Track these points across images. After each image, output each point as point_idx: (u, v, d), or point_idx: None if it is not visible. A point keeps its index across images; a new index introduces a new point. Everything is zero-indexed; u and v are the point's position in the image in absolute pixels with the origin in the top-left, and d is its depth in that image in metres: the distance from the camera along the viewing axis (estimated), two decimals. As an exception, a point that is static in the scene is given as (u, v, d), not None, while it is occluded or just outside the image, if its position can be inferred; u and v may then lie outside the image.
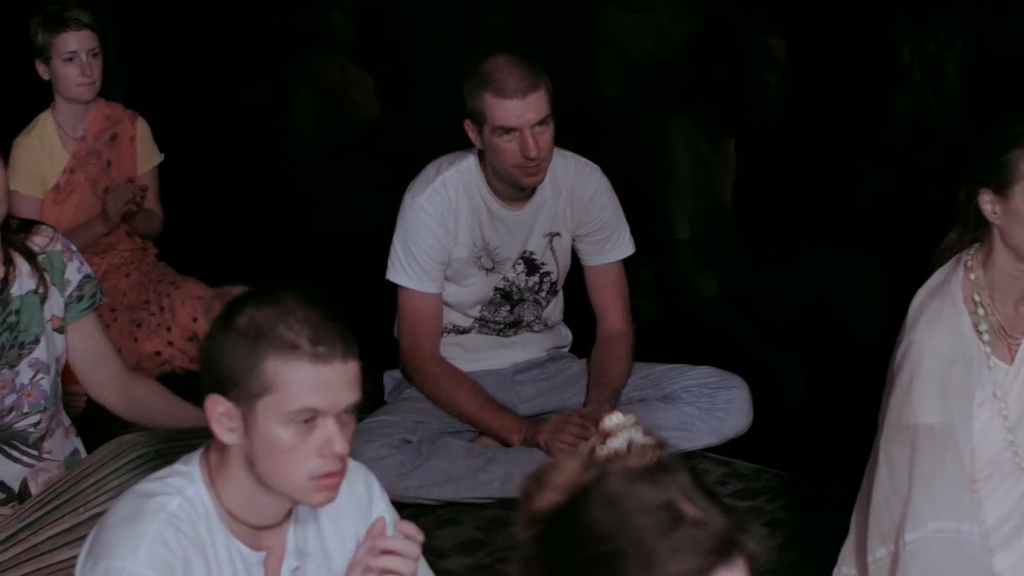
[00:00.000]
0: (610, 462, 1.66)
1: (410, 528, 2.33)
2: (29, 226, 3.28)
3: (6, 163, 3.21)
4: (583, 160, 4.01)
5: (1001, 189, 2.85)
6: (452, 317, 4.05)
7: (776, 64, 4.51)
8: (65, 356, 3.31)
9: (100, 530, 2.27)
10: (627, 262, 4.09)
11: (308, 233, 5.46)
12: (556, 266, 4.05)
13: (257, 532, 2.32)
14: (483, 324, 4.08)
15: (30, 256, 3.22)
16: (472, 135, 3.81)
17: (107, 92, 4.65)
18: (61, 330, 3.28)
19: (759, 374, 4.16)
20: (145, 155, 4.66)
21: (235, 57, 5.65)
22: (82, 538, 2.39)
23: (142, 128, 4.65)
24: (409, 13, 5.21)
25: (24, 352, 3.22)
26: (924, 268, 3.01)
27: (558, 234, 4.01)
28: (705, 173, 4.62)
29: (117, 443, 3.14)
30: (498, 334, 4.10)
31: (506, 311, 4.07)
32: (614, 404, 3.93)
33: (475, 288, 4.01)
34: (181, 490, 2.27)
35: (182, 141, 5.02)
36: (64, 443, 3.36)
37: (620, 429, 1.69)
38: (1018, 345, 2.92)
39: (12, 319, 3.20)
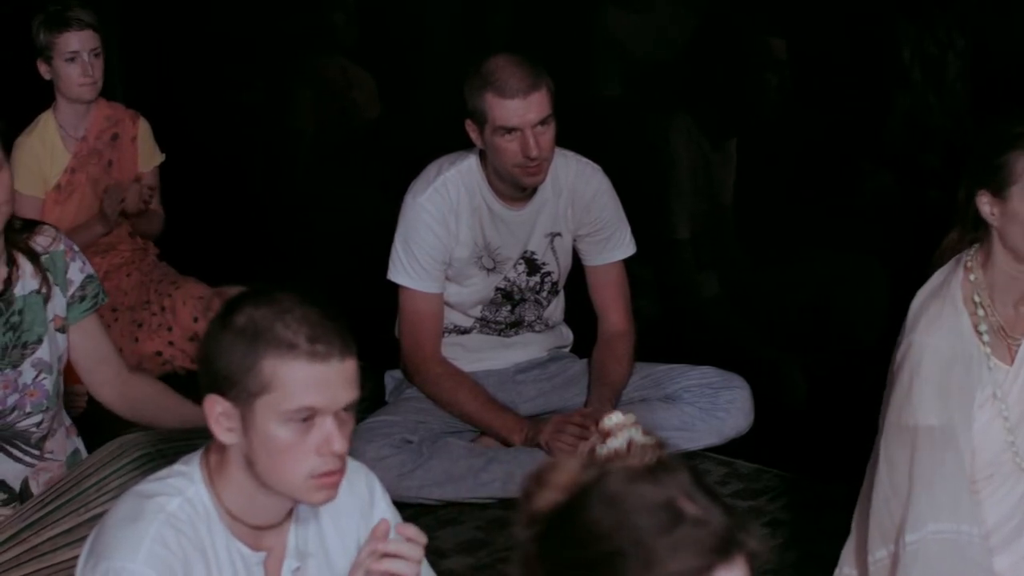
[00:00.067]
0: (610, 462, 1.66)
1: (412, 531, 2.32)
2: (32, 226, 3.28)
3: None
4: (584, 160, 4.01)
5: (999, 191, 2.84)
6: (453, 317, 4.05)
7: (777, 64, 4.51)
8: (67, 356, 3.31)
9: (100, 531, 2.27)
10: (628, 262, 4.09)
11: (309, 233, 5.46)
12: (557, 266, 4.05)
13: (257, 532, 2.32)
14: (484, 324, 4.08)
15: (33, 256, 3.22)
16: (473, 135, 3.81)
17: (108, 92, 4.65)
18: (63, 330, 3.28)
19: (760, 374, 4.16)
20: (146, 155, 4.66)
21: (237, 57, 5.65)
22: (83, 538, 2.39)
23: (143, 128, 4.65)
24: (411, 13, 5.22)
25: (27, 352, 3.23)
26: (924, 268, 3.01)
27: (559, 234, 4.01)
28: (706, 173, 4.63)
29: (118, 443, 3.15)
30: (499, 334, 4.10)
31: (507, 311, 4.07)
32: (615, 404, 3.93)
33: (476, 288, 4.01)
34: (181, 490, 2.27)
35: (183, 141, 5.02)
36: (65, 443, 3.36)
37: (620, 429, 1.69)
38: (1018, 346, 2.92)
39: (15, 319, 3.20)
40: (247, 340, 2.19)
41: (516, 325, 4.10)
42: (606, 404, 3.89)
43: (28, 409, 3.24)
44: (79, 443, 3.42)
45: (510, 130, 3.73)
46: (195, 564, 2.24)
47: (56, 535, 3.07)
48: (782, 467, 4.03)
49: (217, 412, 2.23)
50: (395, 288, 3.97)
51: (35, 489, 3.26)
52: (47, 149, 4.50)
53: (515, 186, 3.87)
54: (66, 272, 3.27)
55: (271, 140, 5.66)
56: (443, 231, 3.90)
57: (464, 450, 3.91)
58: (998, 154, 2.84)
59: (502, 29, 5.08)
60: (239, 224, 5.53)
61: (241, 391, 2.19)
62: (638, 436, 1.68)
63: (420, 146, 4.27)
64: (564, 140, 3.86)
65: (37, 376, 3.24)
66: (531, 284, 4.04)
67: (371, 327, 4.16)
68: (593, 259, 4.06)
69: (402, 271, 3.94)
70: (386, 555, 2.30)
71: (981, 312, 2.90)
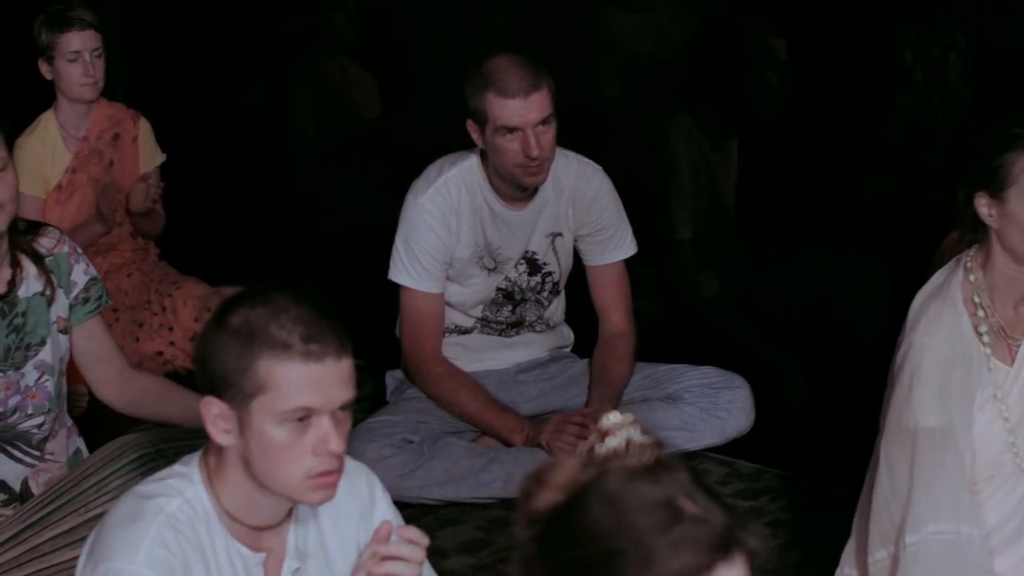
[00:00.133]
0: (609, 461, 1.66)
1: (414, 533, 2.32)
2: (36, 228, 3.28)
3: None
4: (585, 160, 4.01)
5: (996, 193, 2.84)
6: (454, 317, 4.05)
7: (777, 64, 4.51)
8: (68, 356, 3.31)
9: (100, 532, 2.27)
10: (629, 262, 4.09)
11: (310, 233, 5.46)
12: (558, 266, 4.05)
13: (257, 533, 2.32)
14: (485, 324, 4.08)
15: (37, 258, 3.22)
16: (474, 135, 3.81)
17: (109, 92, 4.65)
18: (65, 331, 3.28)
19: (761, 374, 4.16)
20: (147, 155, 4.66)
21: (237, 57, 5.65)
22: (83, 539, 2.39)
23: (144, 128, 4.65)
24: (411, 13, 5.22)
25: (30, 354, 3.23)
26: (925, 268, 3.01)
27: (560, 234, 4.01)
28: (707, 173, 4.63)
29: (119, 443, 3.15)
30: (500, 334, 4.10)
31: (508, 311, 4.07)
32: (616, 404, 3.93)
33: (477, 288, 4.01)
34: (181, 491, 2.27)
35: (184, 141, 5.02)
36: (67, 444, 3.36)
37: (618, 428, 1.69)
38: (1018, 346, 2.92)
39: (19, 320, 3.20)
40: (242, 341, 2.18)
41: (517, 325, 4.10)
42: (607, 404, 3.89)
43: (30, 411, 3.24)
44: (80, 443, 3.42)
45: (511, 130, 3.73)
46: (195, 565, 2.24)
47: (57, 535, 3.07)
48: (783, 467, 4.03)
49: (214, 414, 2.22)
50: (396, 288, 3.97)
51: (35, 490, 3.26)
52: (48, 149, 4.50)
53: (516, 186, 3.87)
54: (70, 274, 3.27)
55: (272, 140, 5.66)
56: (444, 231, 3.90)
57: (465, 450, 3.91)
58: (995, 156, 2.84)
59: (502, 29, 5.08)
60: (240, 224, 5.53)
61: (237, 392, 2.19)
62: (636, 435, 1.68)
63: (420, 146, 4.27)
64: (565, 140, 3.86)
65: (39, 378, 3.24)
66: (532, 284, 4.04)
67: (371, 327, 4.17)
68: (594, 259, 4.06)
69: (403, 271, 3.94)
70: (387, 557, 2.30)
71: (981, 313, 2.90)
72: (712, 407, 4.00)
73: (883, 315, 4.17)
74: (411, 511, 3.56)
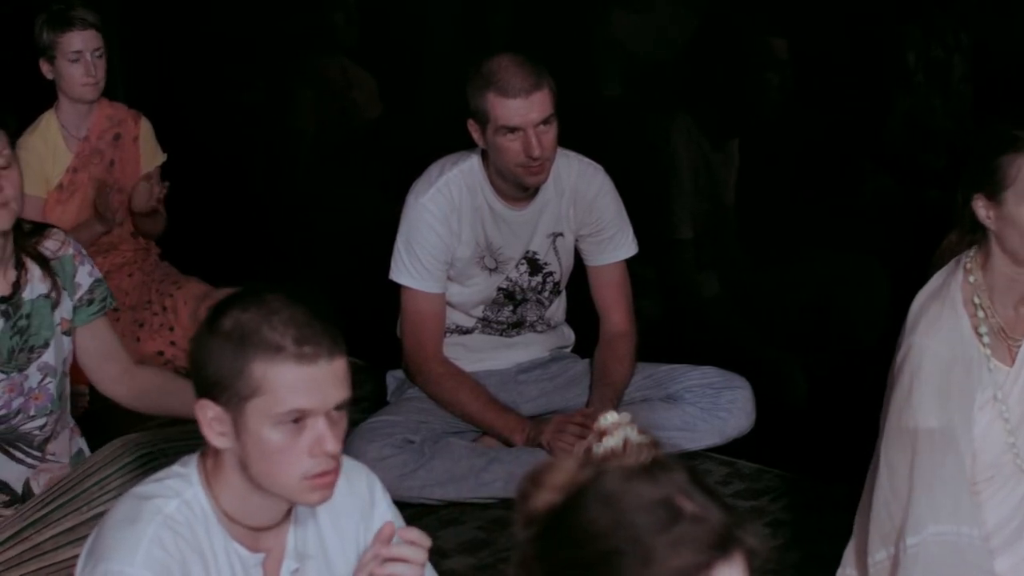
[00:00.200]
0: (606, 461, 1.66)
1: (415, 534, 2.32)
2: (41, 230, 3.28)
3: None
4: (586, 160, 4.01)
5: (993, 194, 2.83)
6: (455, 317, 4.05)
7: (777, 64, 4.51)
8: (72, 358, 3.31)
9: (99, 533, 2.27)
10: (630, 262, 4.09)
11: (310, 233, 5.46)
12: (559, 266, 4.05)
13: (256, 534, 2.32)
14: (486, 324, 4.08)
15: (42, 261, 3.22)
16: (475, 135, 3.81)
17: (110, 92, 4.65)
18: (69, 333, 3.28)
19: (761, 374, 4.16)
20: (148, 155, 4.66)
21: (237, 57, 5.65)
22: (84, 537, 2.39)
23: (145, 128, 4.65)
24: (411, 13, 5.21)
25: (33, 356, 3.23)
26: (925, 268, 3.01)
27: (561, 234, 4.01)
28: (707, 173, 4.63)
29: (120, 442, 3.15)
30: (501, 334, 4.11)
31: (509, 311, 4.07)
32: (617, 404, 3.93)
33: (478, 288, 4.01)
34: (179, 492, 2.27)
35: (185, 141, 5.02)
36: (69, 444, 3.36)
37: (615, 428, 1.69)
38: (1018, 347, 2.92)
39: (23, 323, 3.20)
40: (234, 344, 2.18)
41: (518, 325, 4.11)
42: (608, 404, 3.89)
43: (32, 412, 3.24)
44: (83, 444, 3.42)
45: (512, 130, 3.73)
46: (193, 566, 2.24)
47: (58, 534, 3.08)
48: (784, 467, 4.03)
49: (209, 417, 2.22)
50: (397, 288, 3.97)
51: (37, 490, 3.26)
52: (49, 149, 4.50)
53: (517, 186, 3.87)
54: (74, 276, 3.27)
55: (272, 140, 5.66)
56: (445, 231, 3.90)
57: (466, 450, 3.91)
58: (992, 157, 2.84)
59: (502, 29, 5.07)
60: (240, 224, 5.53)
61: (232, 396, 2.19)
62: (634, 435, 1.68)
63: (421, 146, 4.27)
64: (565, 140, 3.86)
65: (43, 379, 3.24)
66: (533, 284, 4.04)
67: (372, 327, 4.18)
68: (595, 259, 4.07)
69: (404, 271, 3.94)
70: (389, 559, 2.30)
71: (981, 314, 2.89)
72: (713, 407, 4.00)
73: (883, 315, 4.17)
74: (412, 511, 3.56)
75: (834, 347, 4.45)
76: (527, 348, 4.14)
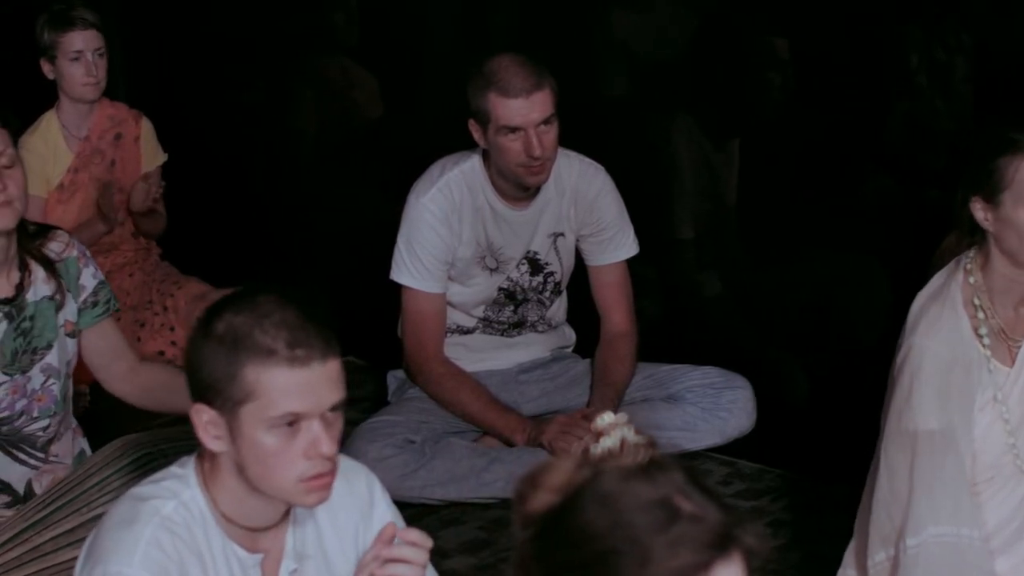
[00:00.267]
0: (603, 461, 1.65)
1: (416, 535, 2.32)
2: (45, 231, 3.28)
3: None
4: (587, 160, 4.01)
5: (991, 196, 2.83)
6: (456, 317, 4.05)
7: (778, 64, 4.51)
8: (75, 359, 3.31)
9: (97, 534, 2.28)
10: (631, 262, 4.09)
11: (311, 233, 5.46)
12: (560, 266, 4.05)
13: (254, 534, 2.31)
14: (487, 324, 4.08)
15: (47, 263, 3.22)
16: (476, 135, 3.81)
17: (111, 92, 4.65)
18: (73, 335, 3.28)
19: (762, 374, 4.16)
20: (149, 155, 4.66)
21: (238, 57, 5.65)
22: (84, 539, 2.39)
23: (146, 128, 4.65)
24: (412, 13, 5.21)
25: (37, 358, 3.22)
26: (925, 269, 3.01)
27: (562, 234, 4.01)
28: (708, 173, 4.63)
29: (120, 443, 3.15)
30: (502, 334, 4.11)
31: (510, 311, 4.07)
32: (618, 404, 3.93)
33: (479, 288, 4.01)
34: (177, 494, 2.27)
35: (186, 141, 5.02)
36: (72, 445, 3.36)
37: (613, 428, 1.68)
38: (1018, 348, 2.92)
39: (26, 324, 3.20)
40: (227, 348, 2.18)
41: (519, 325, 4.11)
42: (608, 404, 3.88)
43: (35, 414, 3.24)
44: (85, 444, 3.42)
45: (513, 129, 3.73)
46: (191, 567, 2.24)
47: (58, 535, 3.07)
48: (784, 467, 4.03)
49: (204, 421, 2.22)
50: (397, 288, 3.97)
51: (38, 490, 3.26)
52: (50, 149, 4.50)
53: (518, 186, 3.87)
54: (79, 278, 3.26)
55: (272, 140, 5.66)
56: (446, 231, 3.90)
57: (467, 450, 3.91)
58: (990, 159, 2.84)
59: (503, 29, 5.07)
60: (241, 224, 5.53)
61: (226, 400, 2.19)
62: (631, 435, 1.68)
63: (421, 146, 4.27)
64: (566, 140, 3.86)
65: (46, 381, 3.24)
66: (534, 284, 4.04)
67: (372, 327, 4.18)
68: (596, 259, 4.06)
69: (405, 271, 3.94)
70: (390, 560, 2.30)
71: (981, 315, 2.89)
72: (714, 407, 4.00)
73: (883, 315, 4.17)
74: (412, 511, 3.56)
75: (834, 347, 4.44)
76: (528, 348, 4.14)
